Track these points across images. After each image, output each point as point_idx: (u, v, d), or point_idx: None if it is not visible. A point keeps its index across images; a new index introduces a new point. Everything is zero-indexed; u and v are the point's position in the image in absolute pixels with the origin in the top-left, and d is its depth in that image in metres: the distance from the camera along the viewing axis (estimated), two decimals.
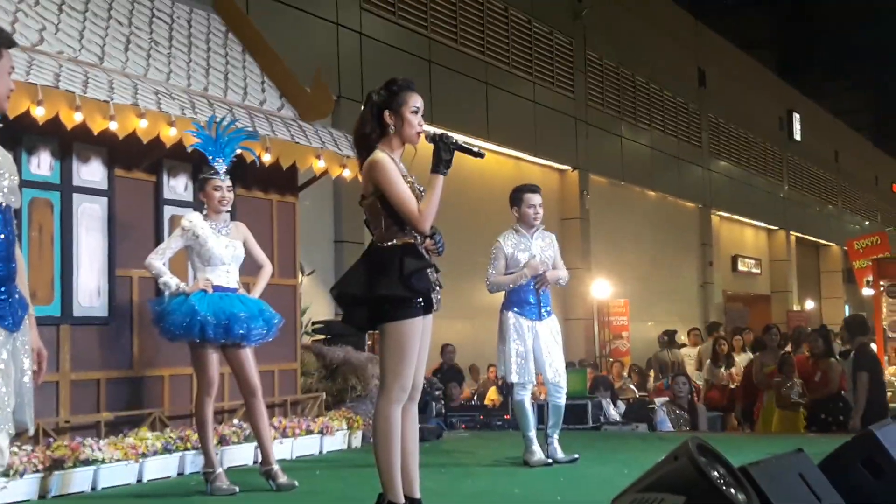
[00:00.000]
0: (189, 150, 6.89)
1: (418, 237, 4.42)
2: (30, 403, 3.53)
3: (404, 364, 4.36)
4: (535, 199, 7.24)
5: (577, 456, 7.14)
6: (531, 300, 7.12)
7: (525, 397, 7.07)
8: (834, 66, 32.46)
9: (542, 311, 7.17)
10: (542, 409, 7.55)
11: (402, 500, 4.34)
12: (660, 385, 13.73)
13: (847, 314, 30.61)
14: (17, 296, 3.50)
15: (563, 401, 7.21)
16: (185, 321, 6.05)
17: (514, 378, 7.07)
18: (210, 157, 6.39)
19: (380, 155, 4.44)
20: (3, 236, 3.44)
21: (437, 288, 4.50)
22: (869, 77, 33.33)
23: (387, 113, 4.50)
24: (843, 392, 10.74)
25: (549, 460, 7.02)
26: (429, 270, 4.42)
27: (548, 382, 7.19)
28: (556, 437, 7.15)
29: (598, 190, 21.24)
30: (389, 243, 4.40)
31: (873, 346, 12.23)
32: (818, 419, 10.63)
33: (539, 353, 7.08)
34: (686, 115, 26.06)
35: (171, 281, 6.15)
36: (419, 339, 4.41)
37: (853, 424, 9.84)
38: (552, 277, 7.17)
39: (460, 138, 4.55)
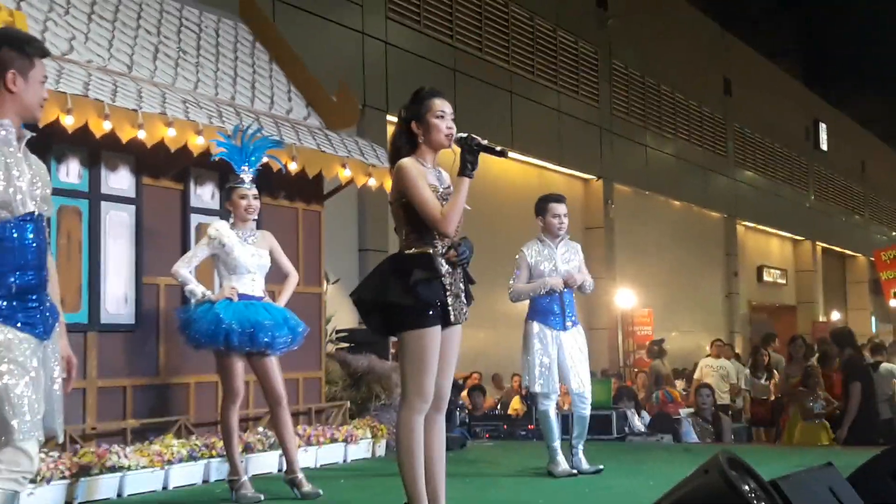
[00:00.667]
0: (215, 158, 6.92)
1: (438, 247, 4.40)
2: (59, 410, 3.54)
3: (423, 374, 4.34)
4: (561, 208, 7.22)
5: (601, 467, 7.11)
6: (556, 310, 7.09)
7: (549, 408, 7.04)
8: (861, 76, 32.23)
9: (567, 321, 7.14)
10: (566, 420, 7.52)
11: None
12: (662, 397, 13.39)
13: (874, 326, 30.47)
14: (48, 304, 3.52)
15: (587, 411, 7.18)
16: (210, 329, 6.07)
17: (538, 388, 7.05)
18: (236, 166, 6.41)
19: (405, 160, 4.46)
20: (35, 245, 3.46)
21: (461, 299, 4.48)
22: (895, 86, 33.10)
23: (413, 123, 4.52)
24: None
25: (574, 471, 6.99)
26: (449, 282, 4.39)
27: (572, 393, 7.16)
28: (580, 447, 7.13)
29: (623, 199, 21.20)
30: (408, 252, 4.42)
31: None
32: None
33: (564, 364, 7.06)
34: (711, 124, 25.98)
35: (196, 289, 6.17)
36: (438, 349, 4.38)
37: (841, 434, 9.80)
38: (579, 278, 7.15)
39: (483, 139, 4.53)
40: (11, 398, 3.29)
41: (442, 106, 4.51)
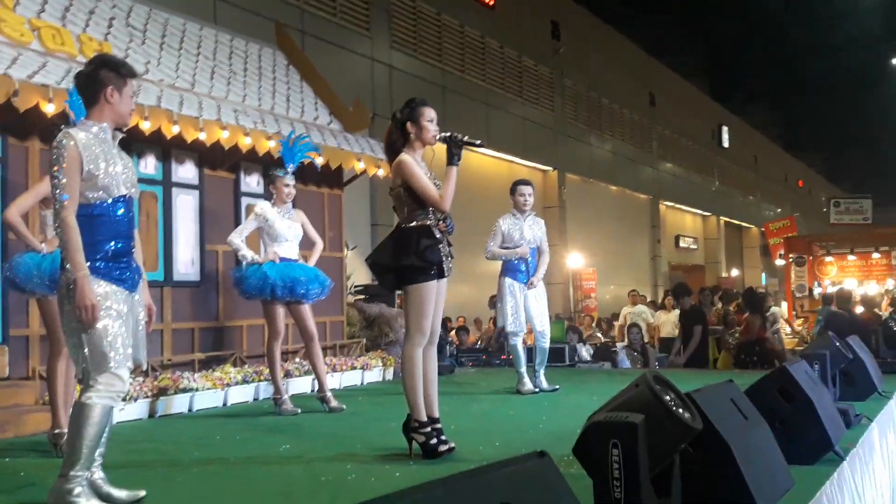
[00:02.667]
0: (261, 154, 6.86)
1: (433, 219, 4.34)
2: (143, 346, 3.53)
3: (424, 317, 4.30)
4: (525, 189, 7.14)
5: (557, 387, 7.11)
6: (522, 269, 7.05)
7: (518, 342, 7.03)
8: (754, 91, 32.25)
9: (530, 277, 7.11)
10: (531, 351, 7.50)
11: (425, 419, 4.31)
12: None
13: (764, 280, 30.58)
14: (134, 265, 3.50)
15: (546, 344, 7.17)
16: (259, 284, 6.03)
17: (510, 327, 7.03)
18: (286, 162, 6.37)
19: (404, 156, 4.39)
20: (126, 219, 3.45)
21: (449, 259, 4.44)
22: (780, 99, 33.15)
23: (408, 124, 4.44)
24: (762, 339, 10.68)
25: (536, 389, 6.98)
26: (440, 246, 4.34)
27: (535, 331, 7.15)
28: (541, 371, 7.12)
29: (573, 185, 21.15)
30: (411, 225, 4.33)
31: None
32: (740, 359, 10.60)
33: (529, 309, 7.03)
34: (640, 128, 25.91)
35: (247, 254, 6.13)
36: (435, 298, 4.35)
37: (679, 362, 9.89)
38: (538, 279, 7.13)
39: (464, 136, 4.46)
40: (108, 336, 3.28)
41: (431, 113, 4.46)
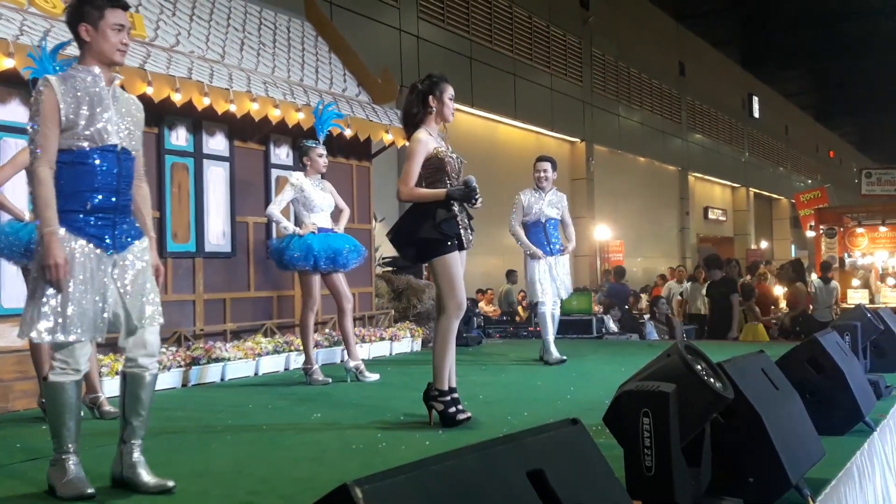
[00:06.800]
0: (291, 126, 6.86)
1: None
2: (138, 309, 3.14)
3: (455, 288, 4.31)
4: (541, 166, 7.24)
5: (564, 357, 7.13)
6: (544, 242, 7.16)
7: (546, 311, 7.11)
8: (785, 59, 31.60)
9: (552, 248, 7.17)
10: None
11: (446, 388, 4.36)
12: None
13: (793, 252, 30.23)
14: (124, 225, 3.15)
15: (558, 312, 7.36)
16: (303, 255, 6.00)
17: (539, 298, 7.10)
18: (317, 131, 6.39)
19: (420, 134, 4.42)
20: (116, 172, 3.11)
21: (469, 231, 4.44)
22: (812, 67, 32.51)
23: (430, 98, 4.48)
24: (808, 310, 10.57)
25: (564, 358, 7.03)
26: (458, 218, 4.35)
27: (557, 298, 7.26)
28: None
29: (601, 157, 20.98)
30: None
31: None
32: (794, 331, 10.50)
33: (554, 279, 7.15)
34: (669, 98, 25.58)
35: (289, 226, 6.12)
36: (460, 268, 4.36)
37: (732, 335, 9.82)
38: (572, 246, 7.35)
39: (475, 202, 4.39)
40: (64, 299, 2.97)
41: (452, 90, 4.55)
